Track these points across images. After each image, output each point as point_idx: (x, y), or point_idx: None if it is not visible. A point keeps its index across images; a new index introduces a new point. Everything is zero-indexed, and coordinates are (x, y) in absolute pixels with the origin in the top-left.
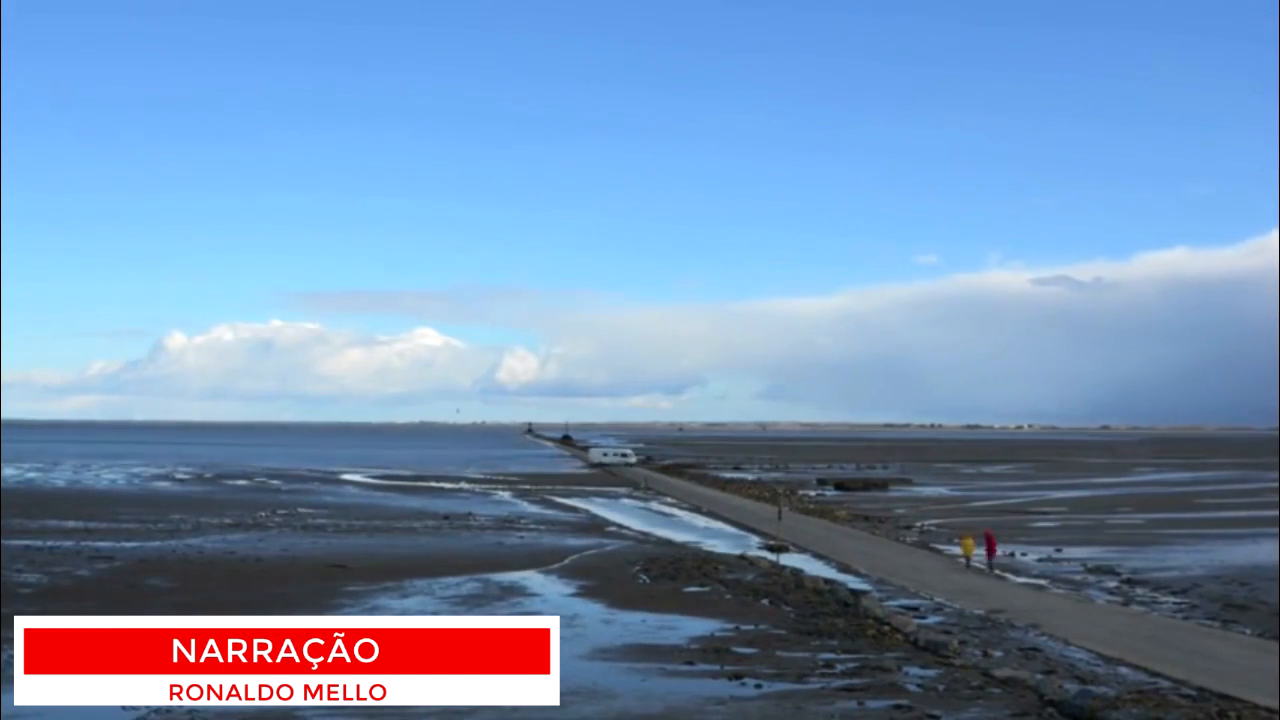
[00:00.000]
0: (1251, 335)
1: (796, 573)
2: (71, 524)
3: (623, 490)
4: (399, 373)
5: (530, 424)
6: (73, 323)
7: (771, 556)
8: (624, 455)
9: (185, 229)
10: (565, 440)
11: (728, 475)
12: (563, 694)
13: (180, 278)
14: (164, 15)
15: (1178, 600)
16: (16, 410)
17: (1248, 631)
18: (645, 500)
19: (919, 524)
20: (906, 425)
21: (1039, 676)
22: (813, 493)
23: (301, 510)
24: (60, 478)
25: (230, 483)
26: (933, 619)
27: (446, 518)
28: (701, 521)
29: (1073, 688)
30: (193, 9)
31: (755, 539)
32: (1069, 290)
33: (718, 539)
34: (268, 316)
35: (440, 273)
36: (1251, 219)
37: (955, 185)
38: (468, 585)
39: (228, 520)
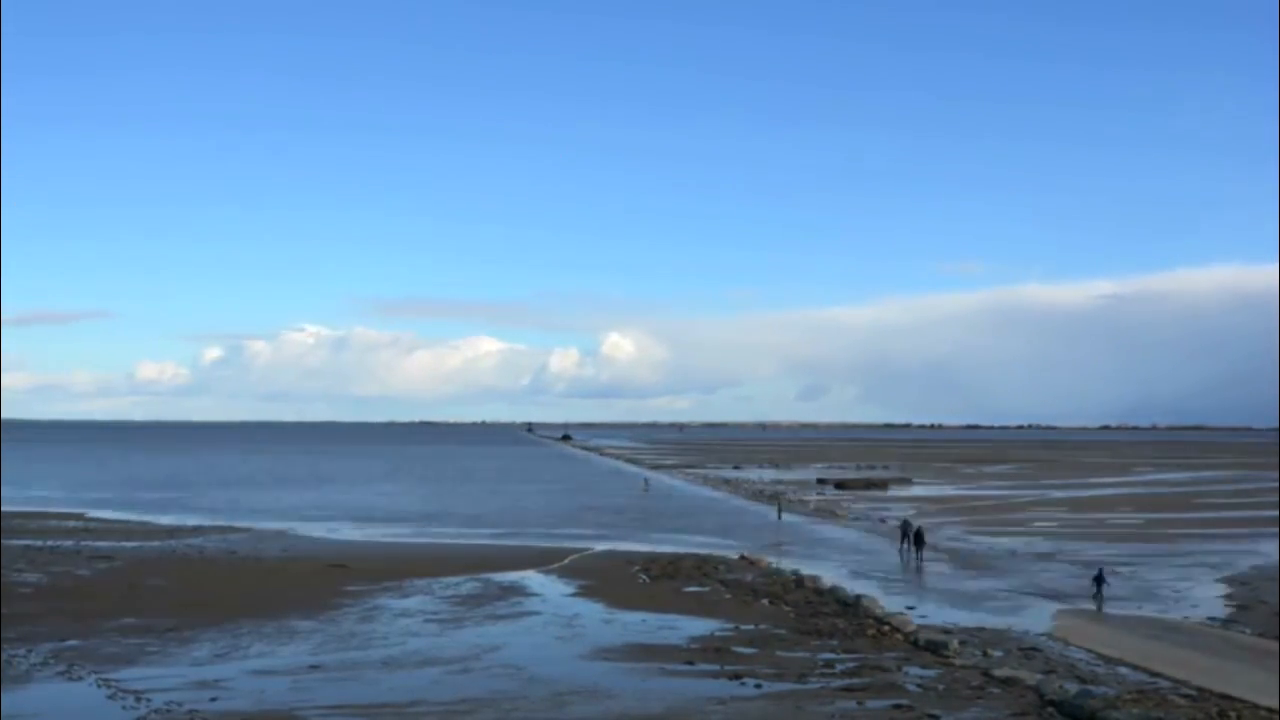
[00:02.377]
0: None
1: (796, 573)
2: None
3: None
4: (456, 375)
5: (530, 424)
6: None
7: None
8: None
9: (262, 240)
10: (565, 439)
11: (728, 475)
12: (563, 694)
13: (260, 285)
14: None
15: (1178, 601)
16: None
17: (1248, 631)
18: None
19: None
20: (925, 426)
21: (1039, 676)
22: (813, 495)
23: None
24: None
25: None
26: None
27: None
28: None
29: (1072, 688)
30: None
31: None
32: (1107, 302)
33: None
34: (336, 322)
35: (504, 284)
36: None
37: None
38: (467, 585)
39: None
